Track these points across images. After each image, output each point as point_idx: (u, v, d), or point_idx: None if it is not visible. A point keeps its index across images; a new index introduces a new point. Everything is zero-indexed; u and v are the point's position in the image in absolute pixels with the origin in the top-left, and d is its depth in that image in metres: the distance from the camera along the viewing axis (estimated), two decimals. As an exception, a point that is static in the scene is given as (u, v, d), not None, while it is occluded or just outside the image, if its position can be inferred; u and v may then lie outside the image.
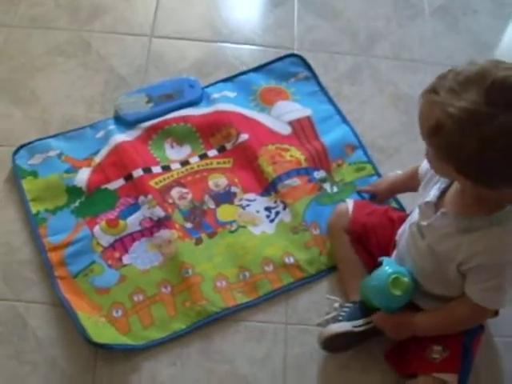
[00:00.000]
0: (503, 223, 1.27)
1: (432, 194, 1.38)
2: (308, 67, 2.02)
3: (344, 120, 1.92)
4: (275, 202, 1.77)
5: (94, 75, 2.00)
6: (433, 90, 1.17)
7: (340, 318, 1.55)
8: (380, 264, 1.49)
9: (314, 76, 2.00)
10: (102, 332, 1.57)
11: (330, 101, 1.96)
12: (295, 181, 1.80)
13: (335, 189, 1.81)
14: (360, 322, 1.53)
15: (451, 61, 2.06)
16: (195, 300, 1.62)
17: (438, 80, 1.18)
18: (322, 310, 1.63)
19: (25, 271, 1.66)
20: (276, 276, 1.67)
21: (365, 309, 1.54)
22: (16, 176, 1.78)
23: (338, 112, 1.94)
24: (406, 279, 1.44)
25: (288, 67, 2.01)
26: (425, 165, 1.44)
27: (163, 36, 2.10)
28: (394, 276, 1.44)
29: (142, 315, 1.61)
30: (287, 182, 1.79)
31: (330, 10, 2.19)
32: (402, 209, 1.76)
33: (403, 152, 1.89)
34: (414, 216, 1.44)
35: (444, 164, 1.20)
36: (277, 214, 1.76)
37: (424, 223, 1.39)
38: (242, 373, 1.57)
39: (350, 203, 1.68)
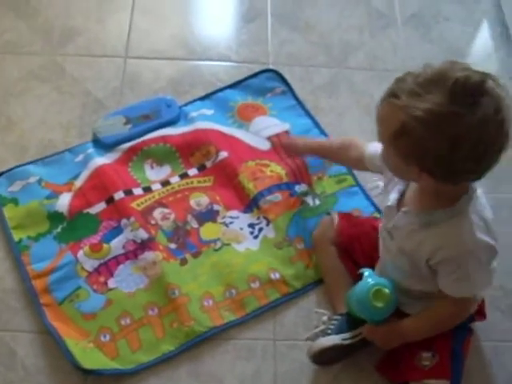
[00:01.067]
0: (461, 214, 1.30)
1: (392, 197, 1.41)
2: (284, 81, 2.02)
3: (322, 132, 1.93)
4: (258, 218, 1.78)
5: (69, 99, 1.99)
6: (393, 95, 1.19)
7: (329, 332, 1.55)
8: (361, 276, 1.49)
9: (291, 90, 2.01)
10: (91, 358, 1.55)
11: (308, 114, 1.97)
12: (277, 196, 1.80)
13: (317, 201, 1.81)
14: (348, 334, 1.54)
15: None
16: (183, 321, 1.61)
17: (397, 84, 1.20)
18: (310, 324, 1.63)
19: (9, 300, 1.65)
20: (263, 292, 1.67)
21: (352, 321, 1.54)
22: (-4, 204, 1.77)
23: (316, 125, 1.95)
24: (387, 290, 1.45)
25: (264, 82, 2.02)
26: (373, 154, 1.48)
27: (138, 56, 2.09)
28: (375, 288, 1.44)
29: (129, 339, 1.60)
30: (269, 197, 1.79)
31: (303, 23, 2.20)
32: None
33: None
34: (381, 224, 1.48)
35: (407, 166, 1.22)
36: (260, 230, 1.76)
37: (390, 225, 1.42)
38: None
39: (334, 215, 1.69)
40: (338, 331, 1.54)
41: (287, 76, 2.04)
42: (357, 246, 1.63)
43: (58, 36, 2.12)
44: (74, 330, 1.60)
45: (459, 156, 1.15)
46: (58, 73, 2.04)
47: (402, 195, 1.40)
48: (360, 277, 1.50)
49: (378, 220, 1.68)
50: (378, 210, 1.79)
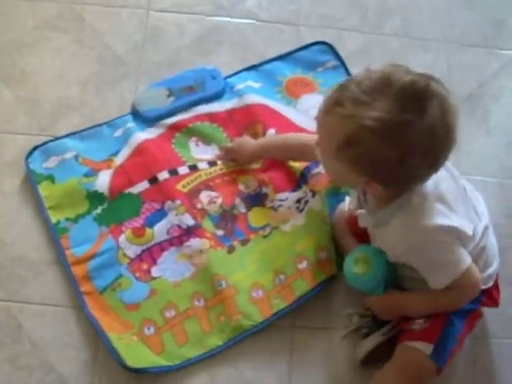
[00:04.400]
0: (404, 206, 1.27)
1: (351, 200, 1.46)
2: (336, 55, 1.88)
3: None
4: (305, 192, 1.67)
5: (88, 52, 1.85)
6: (337, 103, 1.15)
7: (365, 331, 1.50)
8: None
9: (343, 64, 1.87)
10: (135, 353, 1.48)
11: (359, 91, 1.84)
12: (322, 168, 1.68)
13: None
14: (387, 327, 1.48)
15: (465, 38, 1.97)
16: (230, 314, 1.53)
17: (340, 92, 1.16)
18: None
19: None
20: (310, 273, 1.58)
21: None
22: (32, 182, 1.65)
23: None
24: (364, 255, 1.43)
25: (315, 55, 1.88)
26: None
27: (161, 9, 1.94)
28: (355, 256, 1.44)
29: (175, 332, 1.52)
30: (315, 170, 1.68)
31: None
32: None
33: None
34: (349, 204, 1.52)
35: (353, 176, 1.20)
36: (306, 202, 1.66)
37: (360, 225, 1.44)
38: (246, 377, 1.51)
39: (347, 200, 1.62)
40: (375, 328, 1.49)
41: (318, 38, 1.90)
42: None
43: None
44: (116, 322, 1.52)
45: (411, 163, 1.15)
46: (77, 23, 1.89)
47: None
48: None
49: None
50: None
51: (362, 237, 1.51)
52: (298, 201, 1.66)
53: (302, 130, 1.76)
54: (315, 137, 1.30)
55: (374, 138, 1.12)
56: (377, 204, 1.33)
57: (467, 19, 2.01)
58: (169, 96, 1.76)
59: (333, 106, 1.16)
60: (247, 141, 1.70)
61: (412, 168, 1.16)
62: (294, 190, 1.68)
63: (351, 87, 1.14)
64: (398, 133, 1.12)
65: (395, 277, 1.45)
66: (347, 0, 2.01)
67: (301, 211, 1.65)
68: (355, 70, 1.85)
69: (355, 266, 1.44)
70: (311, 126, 1.74)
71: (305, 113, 1.79)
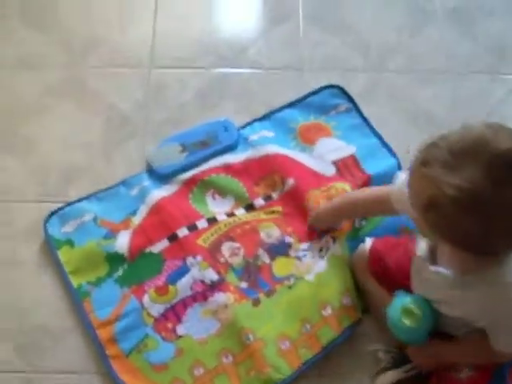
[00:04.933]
0: (496, 283, 1.19)
1: (422, 246, 1.32)
2: (348, 98, 1.87)
3: (390, 151, 1.79)
4: (326, 240, 1.64)
5: (92, 115, 1.86)
6: (424, 163, 1.08)
7: (389, 366, 1.46)
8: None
9: (356, 107, 1.86)
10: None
11: (374, 133, 1.82)
12: None
13: (363, 222, 1.67)
14: (411, 365, 1.44)
15: (469, 69, 1.95)
16: (259, 368, 1.49)
17: (429, 150, 1.08)
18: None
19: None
20: (335, 320, 1.54)
21: None
22: (51, 247, 1.64)
23: (384, 144, 1.80)
24: (414, 307, 1.37)
25: (327, 99, 1.87)
26: (398, 194, 1.35)
27: (162, 66, 1.95)
28: (403, 307, 1.38)
29: (206, 389, 1.49)
30: None
31: (338, 23, 2.04)
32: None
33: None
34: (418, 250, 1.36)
35: (435, 236, 1.13)
36: (327, 249, 1.63)
37: (422, 277, 1.34)
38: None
39: (368, 243, 1.57)
40: (398, 364, 1.45)
41: (324, 81, 1.89)
42: (392, 266, 1.51)
43: (79, 47, 1.97)
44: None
45: (493, 234, 1.05)
46: (79, 87, 1.90)
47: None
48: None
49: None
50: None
51: (382, 277, 1.49)
52: (321, 249, 1.64)
53: (319, 176, 1.75)
54: (384, 188, 1.28)
55: (454, 207, 1.03)
56: (459, 265, 1.23)
57: (468, 48, 2.00)
58: (182, 151, 1.76)
59: (420, 165, 1.08)
60: (321, 211, 1.64)
61: (493, 238, 1.06)
62: (316, 239, 1.66)
63: (441, 146, 1.06)
64: (482, 205, 1.02)
65: (437, 324, 1.41)
66: (348, 40, 2.01)
67: (322, 258, 1.62)
68: (364, 110, 1.86)
69: (405, 317, 1.37)
70: (328, 170, 1.76)
71: (320, 158, 1.77)
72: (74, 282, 1.60)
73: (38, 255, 1.65)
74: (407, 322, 1.37)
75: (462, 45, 2.00)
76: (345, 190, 1.69)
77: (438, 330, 1.40)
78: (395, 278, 1.49)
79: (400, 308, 1.38)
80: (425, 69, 1.96)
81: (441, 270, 1.27)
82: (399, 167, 1.76)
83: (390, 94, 1.91)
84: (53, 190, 1.74)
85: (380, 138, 1.82)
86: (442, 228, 1.09)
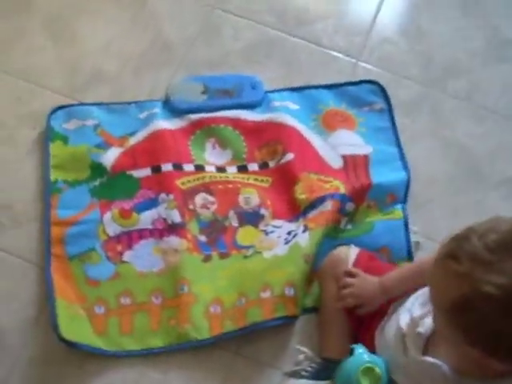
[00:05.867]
0: None
1: (427, 323, 1.17)
2: (386, 99, 1.79)
3: (405, 167, 1.70)
4: (299, 226, 1.59)
5: (140, 32, 1.88)
6: (452, 256, 0.97)
7: (304, 374, 1.40)
8: (351, 351, 1.32)
9: (390, 110, 1.78)
10: (76, 327, 1.47)
11: (398, 143, 1.74)
12: (326, 205, 1.59)
13: (349, 225, 1.61)
14: (326, 383, 1.37)
15: None
16: (181, 321, 1.49)
17: (457, 243, 0.97)
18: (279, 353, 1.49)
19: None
20: (270, 305, 1.49)
21: (332, 370, 1.36)
22: (46, 138, 1.70)
23: (401, 157, 1.72)
24: (378, 370, 1.27)
25: (364, 93, 1.80)
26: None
27: (225, 9, 1.93)
28: (366, 366, 1.27)
29: (123, 320, 1.51)
30: (319, 207, 1.60)
31: (413, 28, 1.95)
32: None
33: (435, 205, 1.68)
34: (402, 320, 1.24)
35: (459, 338, 0.99)
36: (294, 236, 1.57)
37: (409, 355, 1.20)
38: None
39: (353, 251, 1.47)
40: (315, 377, 1.39)
41: (373, 77, 1.82)
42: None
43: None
44: (72, 291, 1.52)
45: None
46: (139, 1, 1.93)
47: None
48: (351, 351, 1.32)
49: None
50: (410, 257, 1.58)
51: None
52: (289, 232, 1.60)
53: (323, 163, 1.70)
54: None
55: (492, 308, 0.92)
56: (457, 361, 1.11)
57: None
58: (203, 93, 1.75)
59: (446, 258, 0.98)
60: (368, 282, 1.41)
61: None
62: (290, 221, 1.62)
63: (472, 239, 0.95)
64: None
65: None
66: (417, 47, 1.92)
67: (286, 243, 1.58)
68: (400, 119, 1.77)
69: (363, 377, 1.27)
70: (335, 161, 1.71)
71: (332, 147, 1.72)
72: (52, 175, 1.65)
73: (32, 141, 1.71)
74: (364, 381, 1.28)
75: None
76: (338, 186, 1.63)
77: None
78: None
79: (360, 365, 1.29)
80: (481, 103, 1.83)
81: (435, 361, 1.14)
82: (408, 184, 1.68)
83: (433, 113, 1.81)
84: (74, 87, 1.79)
85: (400, 149, 1.73)
86: (471, 330, 0.97)
